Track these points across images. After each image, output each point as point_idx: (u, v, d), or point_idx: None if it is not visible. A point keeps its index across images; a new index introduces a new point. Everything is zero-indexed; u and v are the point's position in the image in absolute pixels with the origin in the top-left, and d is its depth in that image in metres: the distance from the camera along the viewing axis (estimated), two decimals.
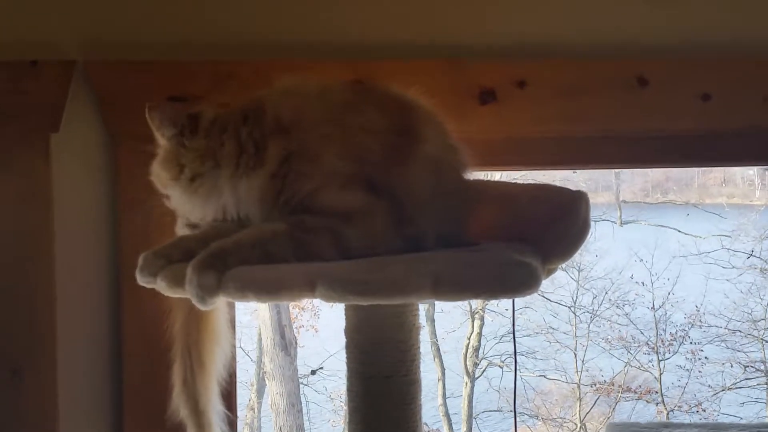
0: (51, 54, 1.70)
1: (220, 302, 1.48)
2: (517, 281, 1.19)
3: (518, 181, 1.60)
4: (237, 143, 1.34)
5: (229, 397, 1.75)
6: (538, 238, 1.38)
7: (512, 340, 9.20)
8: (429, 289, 1.15)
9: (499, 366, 9.61)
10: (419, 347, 1.39)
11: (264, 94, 1.40)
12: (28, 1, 1.74)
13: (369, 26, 1.81)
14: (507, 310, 9.56)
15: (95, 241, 1.76)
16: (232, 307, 1.70)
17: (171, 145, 1.37)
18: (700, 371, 9.71)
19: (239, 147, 1.33)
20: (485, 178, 1.60)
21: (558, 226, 1.39)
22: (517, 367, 9.28)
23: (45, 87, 1.69)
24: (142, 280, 1.30)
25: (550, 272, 1.43)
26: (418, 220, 1.33)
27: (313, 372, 9.00)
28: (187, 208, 1.39)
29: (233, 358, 1.62)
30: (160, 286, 1.28)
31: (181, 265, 1.25)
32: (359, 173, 1.30)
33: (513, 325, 1.99)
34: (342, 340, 1.39)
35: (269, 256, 1.24)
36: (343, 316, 1.39)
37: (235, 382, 1.80)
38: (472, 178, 1.48)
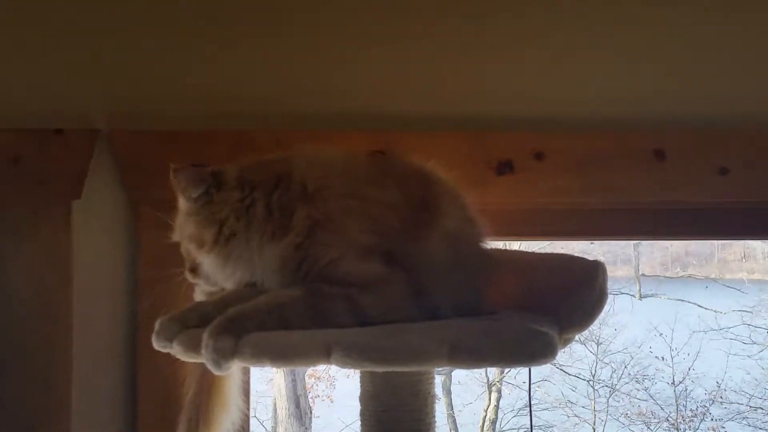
0: (75, 123, 1.74)
1: (235, 368, 1.49)
2: (533, 350, 1.18)
3: (536, 251, 1.60)
4: (267, 205, 1.35)
5: None
6: (555, 307, 1.37)
7: (528, 412, 9.08)
8: (445, 356, 1.14)
9: None
10: (435, 416, 1.37)
11: (291, 157, 1.41)
12: (54, 70, 1.77)
13: (388, 98, 1.83)
14: (524, 382, 9.47)
15: (113, 304, 1.76)
16: (246, 373, 1.69)
17: (198, 206, 1.38)
18: None
19: (268, 209, 1.35)
20: (503, 248, 1.60)
21: (575, 296, 1.39)
22: None
23: (69, 154, 1.72)
24: (158, 345, 1.30)
25: (566, 342, 1.42)
26: (434, 290, 1.33)
27: None
28: (219, 273, 1.40)
29: (246, 427, 1.61)
30: (176, 350, 1.28)
31: (197, 331, 1.24)
32: (378, 245, 1.31)
33: (529, 396, 1.97)
34: (357, 410, 1.38)
35: (286, 322, 1.24)
36: (359, 385, 1.38)
37: None
38: (489, 248, 1.48)
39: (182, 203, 1.41)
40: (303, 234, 1.32)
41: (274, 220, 1.35)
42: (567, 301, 1.39)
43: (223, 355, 1.19)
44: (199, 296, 1.46)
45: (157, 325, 1.31)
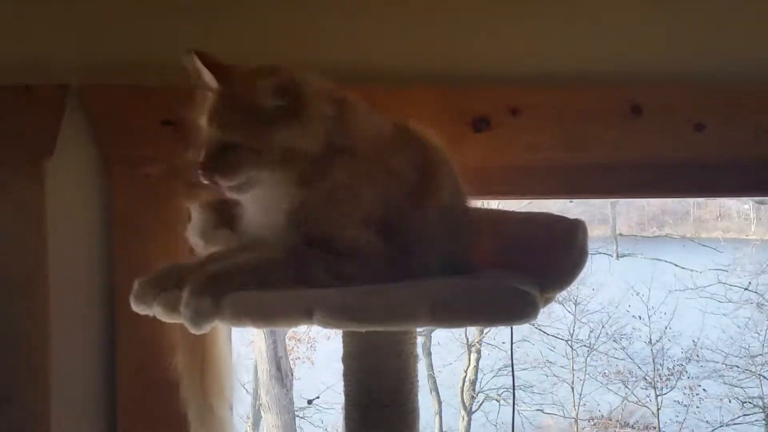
0: (45, 78, 1.71)
1: (221, 333, 1.49)
2: (515, 309, 1.18)
3: (516, 210, 1.60)
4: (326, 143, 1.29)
5: None
6: (535, 266, 1.38)
7: (510, 372, 9.18)
8: (427, 316, 1.14)
9: (496, 400, 9.57)
10: (417, 376, 1.38)
11: (348, 103, 1.34)
12: (21, 26, 1.74)
13: (364, 52, 1.82)
14: (504, 343, 9.55)
15: (89, 264, 1.75)
16: (229, 338, 1.70)
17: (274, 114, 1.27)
18: (697, 407, 9.69)
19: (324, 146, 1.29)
20: (482, 206, 1.60)
21: (555, 255, 1.39)
22: (515, 403, 9.24)
23: (39, 111, 1.69)
24: (136, 307, 1.29)
25: (547, 301, 1.42)
26: (424, 254, 1.33)
27: (310, 402, 8.95)
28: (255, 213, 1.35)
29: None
30: (156, 311, 1.27)
31: (177, 292, 1.24)
32: (381, 216, 1.30)
33: (512, 356, 1.99)
34: (338, 372, 1.38)
35: (266, 282, 1.23)
36: (340, 346, 1.38)
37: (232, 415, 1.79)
38: (472, 207, 1.48)
39: (257, 107, 1.28)
40: (336, 186, 1.29)
41: (317, 161, 1.29)
42: (548, 260, 1.39)
43: (203, 315, 1.18)
44: (197, 237, 1.43)
45: (135, 286, 1.29)
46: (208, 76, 1.30)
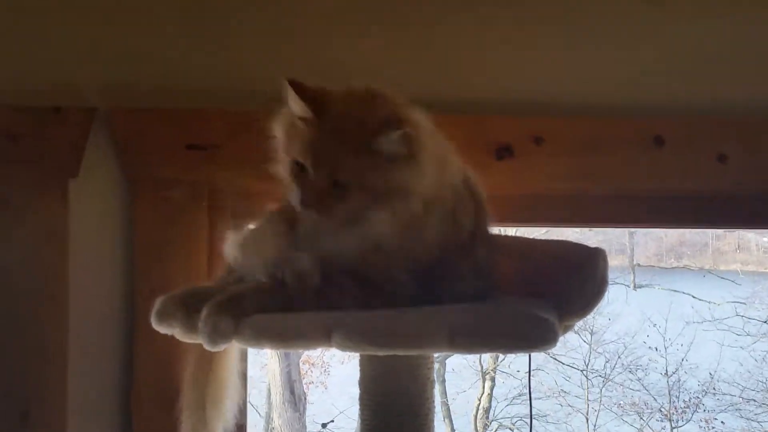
0: (73, 101, 1.73)
1: (233, 353, 1.48)
2: (534, 336, 1.17)
3: (536, 237, 1.59)
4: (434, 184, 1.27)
5: None
6: (555, 293, 1.37)
7: (527, 400, 9.11)
8: (445, 341, 1.14)
9: (510, 428, 9.49)
10: (433, 401, 1.38)
11: (416, 124, 1.28)
12: (52, 49, 1.76)
13: (389, 80, 1.82)
14: (518, 371, 9.50)
15: (110, 284, 1.76)
16: (244, 359, 1.70)
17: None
18: None
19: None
20: (504, 234, 1.60)
21: (576, 283, 1.38)
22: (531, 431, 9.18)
23: (66, 133, 1.71)
24: (158, 326, 1.30)
25: (566, 329, 1.42)
26: (451, 290, 1.33)
27: (324, 426, 8.90)
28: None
29: (243, 411, 1.61)
30: (176, 331, 1.27)
31: (198, 313, 1.24)
32: (430, 261, 1.30)
33: (529, 384, 1.96)
34: (351, 396, 1.38)
35: (289, 306, 1.23)
36: (355, 371, 1.38)
37: None
38: (494, 234, 1.48)
39: (371, 145, 1.22)
40: (420, 239, 1.28)
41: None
42: (568, 288, 1.38)
43: (221, 334, 1.18)
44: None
45: (157, 305, 1.30)
46: (303, 109, 1.25)
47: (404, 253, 1.28)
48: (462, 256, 1.34)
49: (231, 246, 1.41)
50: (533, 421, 9.40)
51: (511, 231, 2.12)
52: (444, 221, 1.31)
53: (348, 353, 1.31)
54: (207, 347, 1.21)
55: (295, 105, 1.26)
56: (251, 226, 1.45)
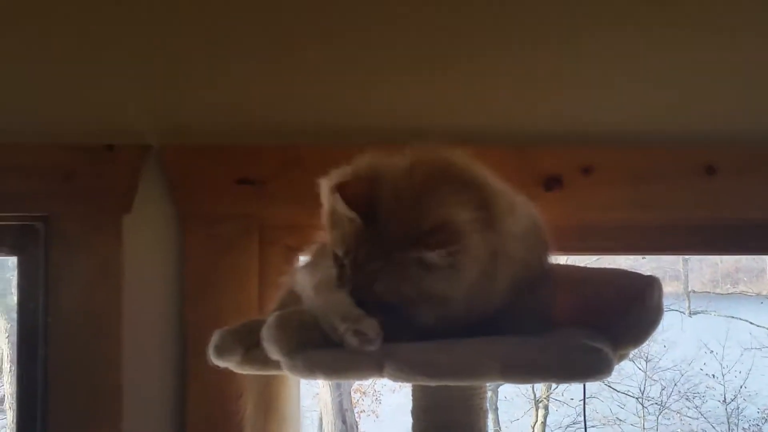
0: (126, 138, 1.77)
1: (293, 386, 1.49)
2: (587, 366, 1.18)
3: (588, 266, 1.58)
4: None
5: None
6: (609, 323, 1.35)
7: (584, 427, 9.01)
8: (497, 372, 1.15)
9: None
10: (486, 431, 1.37)
11: (489, 187, 1.28)
12: (105, 88, 1.82)
13: (437, 113, 1.83)
14: (572, 399, 9.36)
15: (163, 318, 1.79)
16: (298, 388, 1.71)
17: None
18: None
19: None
20: (556, 263, 1.59)
21: (630, 312, 1.37)
22: None
23: (120, 170, 1.76)
24: (217, 359, 1.30)
25: (621, 358, 1.40)
26: (510, 324, 1.31)
27: None
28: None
29: None
30: (232, 365, 1.29)
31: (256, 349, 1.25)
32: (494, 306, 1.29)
33: (584, 414, 1.94)
34: (402, 425, 1.38)
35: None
36: (407, 399, 1.38)
37: None
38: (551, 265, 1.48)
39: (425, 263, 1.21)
40: (489, 295, 1.27)
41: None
42: (622, 317, 1.36)
43: (275, 366, 1.19)
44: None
45: (215, 339, 1.31)
46: (351, 216, 1.22)
47: (471, 306, 1.26)
48: (527, 295, 1.33)
49: (303, 285, 1.39)
50: None
51: (562, 259, 2.10)
52: (512, 268, 1.29)
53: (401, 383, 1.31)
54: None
55: (343, 210, 1.22)
56: (312, 261, 1.44)
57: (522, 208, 1.36)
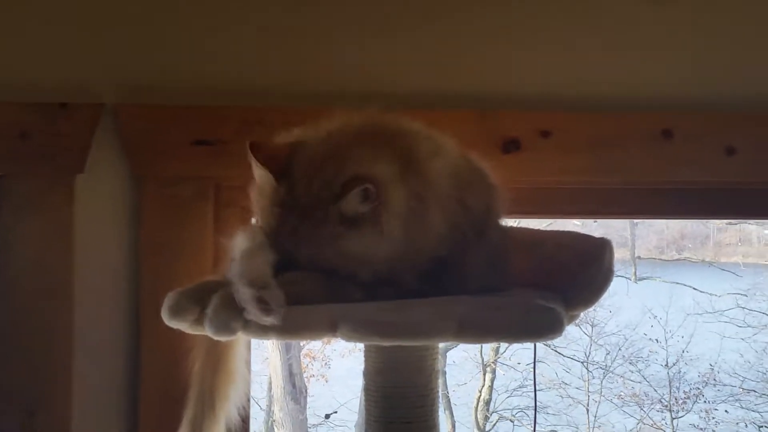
0: (81, 96, 1.72)
1: (240, 345, 1.47)
2: (541, 325, 1.17)
3: (542, 229, 1.59)
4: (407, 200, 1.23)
5: None
6: (562, 284, 1.36)
7: (531, 391, 9.15)
8: (453, 332, 1.13)
9: (510, 420, 9.52)
10: (438, 392, 1.37)
11: (414, 134, 1.30)
12: (59, 44, 1.76)
13: (396, 76, 1.82)
14: (519, 363, 9.52)
15: (116, 279, 1.75)
16: (248, 349, 1.70)
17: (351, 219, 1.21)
18: (714, 431, 9.60)
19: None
20: (511, 225, 1.59)
21: (583, 273, 1.38)
22: (536, 422, 9.20)
23: (73, 128, 1.70)
24: (171, 321, 1.28)
25: (572, 318, 1.41)
26: (463, 282, 1.31)
27: (327, 416, 8.93)
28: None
29: (247, 402, 1.60)
30: (186, 326, 1.26)
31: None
32: (443, 252, 1.28)
33: (534, 375, 1.97)
34: (352, 389, 1.37)
35: (299, 300, 1.20)
36: (356, 364, 1.37)
37: (248, 429, 1.78)
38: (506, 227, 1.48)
39: (334, 215, 1.21)
40: (425, 236, 1.25)
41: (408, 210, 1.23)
42: (574, 279, 1.38)
43: (230, 330, 1.17)
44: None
45: (169, 300, 1.27)
46: (265, 176, 1.23)
47: (408, 256, 1.25)
48: (474, 241, 1.32)
49: (234, 250, 1.35)
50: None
51: (516, 223, 2.11)
52: (447, 208, 1.28)
53: (351, 345, 1.30)
54: (213, 337, 1.19)
55: (257, 170, 1.23)
56: (250, 226, 1.42)
57: (452, 152, 1.35)
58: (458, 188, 1.31)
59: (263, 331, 1.17)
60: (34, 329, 1.69)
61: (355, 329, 1.14)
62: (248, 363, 1.55)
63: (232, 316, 1.16)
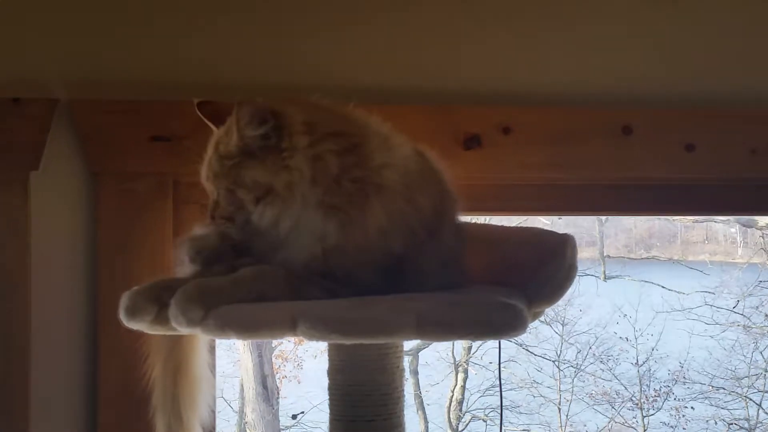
0: (34, 92, 1.70)
1: (202, 347, 1.46)
2: (502, 322, 1.16)
3: (505, 225, 1.59)
4: (340, 167, 1.26)
5: None
6: (524, 280, 1.37)
7: (498, 391, 9.17)
8: (412, 328, 1.13)
9: (483, 420, 9.54)
10: (403, 391, 1.36)
11: (363, 126, 1.33)
12: (12, 39, 1.74)
13: (357, 70, 1.81)
14: (491, 363, 9.53)
15: (73, 277, 1.73)
16: (212, 353, 1.68)
17: (260, 149, 1.26)
18: (684, 428, 9.68)
19: (340, 172, 1.25)
20: (472, 222, 1.59)
21: (544, 269, 1.38)
22: (502, 421, 9.23)
23: (26, 124, 1.68)
24: (129, 321, 1.26)
25: (536, 315, 1.41)
26: (420, 279, 1.31)
27: (294, 417, 8.89)
28: (272, 227, 1.29)
29: (213, 407, 1.59)
30: (144, 326, 1.25)
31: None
32: (397, 250, 1.28)
33: (499, 374, 1.97)
34: (325, 390, 1.36)
35: (261, 298, 1.21)
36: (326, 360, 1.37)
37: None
38: (462, 222, 1.48)
39: (234, 144, 1.28)
40: (383, 219, 1.26)
41: (340, 190, 1.25)
42: (537, 275, 1.38)
43: (190, 322, 1.16)
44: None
45: (125, 300, 1.25)
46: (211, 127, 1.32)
47: (351, 246, 1.26)
48: (427, 241, 1.32)
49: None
50: (506, 411, 9.47)
51: (480, 220, 2.11)
52: (392, 203, 1.28)
53: (324, 345, 1.29)
54: (178, 329, 1.18)
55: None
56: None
57: (404, 150, 1.35)
58: (408, 187, 1.31)
59: (221, 329, 1.16)
60: None
61: (314, 326, 1.13)
62: (212, 367, 1.53)
63: (194, 312, 1.16)
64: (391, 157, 1.31)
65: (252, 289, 1.22)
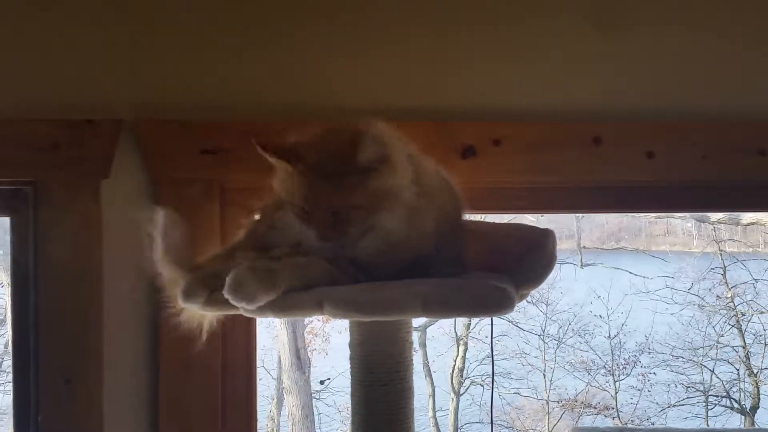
0: (104, 114, 1.71)
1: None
2: (495, 303, 1.18)
3: (496, 222, 1.59)
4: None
5: (250, 408, 1.75)
6: (512, 268, 1.37)
7: (491, 360, 9.18)
8: (419, 308, 1.14)
9: (480, 384, 9.55)
10: (412, 359, 1.36)
11: (386, 141, 1.23)
12: (86, 70, 1.75)
13: (372, 93, 1.81)
14: (486, 337, 9.54)
15: (138, 266, 1.71)
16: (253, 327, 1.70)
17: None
18: (649, 391, 9.69)
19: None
20: (470, 219, 1.59)
21: (529, 258, 1.38)
22: (495, 385, 9.24)
23: (98, 141, 1.69)
24: (184, 303, 1.26)
25: (522, 297, 1.41)
26: (434, 267, 1.31)
27: (322, 383, 8.93)
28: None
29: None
30: (198, 306, 1.25)
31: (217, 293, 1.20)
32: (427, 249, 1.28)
33: (491, 346, 1.97)
34: (348, 360, 1.37)
35: (310, 285, 1.21)
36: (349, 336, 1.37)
37: (256, 396, 1.79)
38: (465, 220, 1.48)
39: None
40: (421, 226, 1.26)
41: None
42: (523, 263, 1.38)
43: (244, 298, 1.16)
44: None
45: (182, 285, 1.26)
46: (279, 164, 1.22)
47: (407, 244, 1.26)
48: (450, 232, 1.33)
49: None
50: (499, 378, 9.48)
51: (477, 217, 2.11)
52: (434, 211, 1.29)
53: (342, 322, 1.30)
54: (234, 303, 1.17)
55: (273, 161, 1.23)
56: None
57: (428, 164, 1.35)
58: (441, 197, 1.32)
59: (261, 310, 1.18)
60: (70, 312, 1.68)
61: (336, 306, 1.15)
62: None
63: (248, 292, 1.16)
64: (429, 174, 1.31)
65: (299, 275, 1.21)
